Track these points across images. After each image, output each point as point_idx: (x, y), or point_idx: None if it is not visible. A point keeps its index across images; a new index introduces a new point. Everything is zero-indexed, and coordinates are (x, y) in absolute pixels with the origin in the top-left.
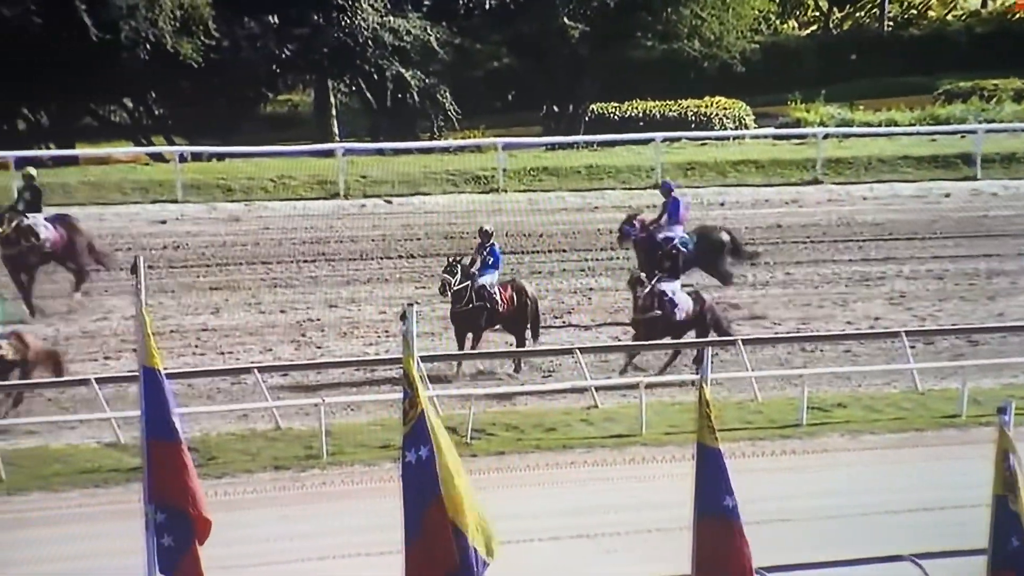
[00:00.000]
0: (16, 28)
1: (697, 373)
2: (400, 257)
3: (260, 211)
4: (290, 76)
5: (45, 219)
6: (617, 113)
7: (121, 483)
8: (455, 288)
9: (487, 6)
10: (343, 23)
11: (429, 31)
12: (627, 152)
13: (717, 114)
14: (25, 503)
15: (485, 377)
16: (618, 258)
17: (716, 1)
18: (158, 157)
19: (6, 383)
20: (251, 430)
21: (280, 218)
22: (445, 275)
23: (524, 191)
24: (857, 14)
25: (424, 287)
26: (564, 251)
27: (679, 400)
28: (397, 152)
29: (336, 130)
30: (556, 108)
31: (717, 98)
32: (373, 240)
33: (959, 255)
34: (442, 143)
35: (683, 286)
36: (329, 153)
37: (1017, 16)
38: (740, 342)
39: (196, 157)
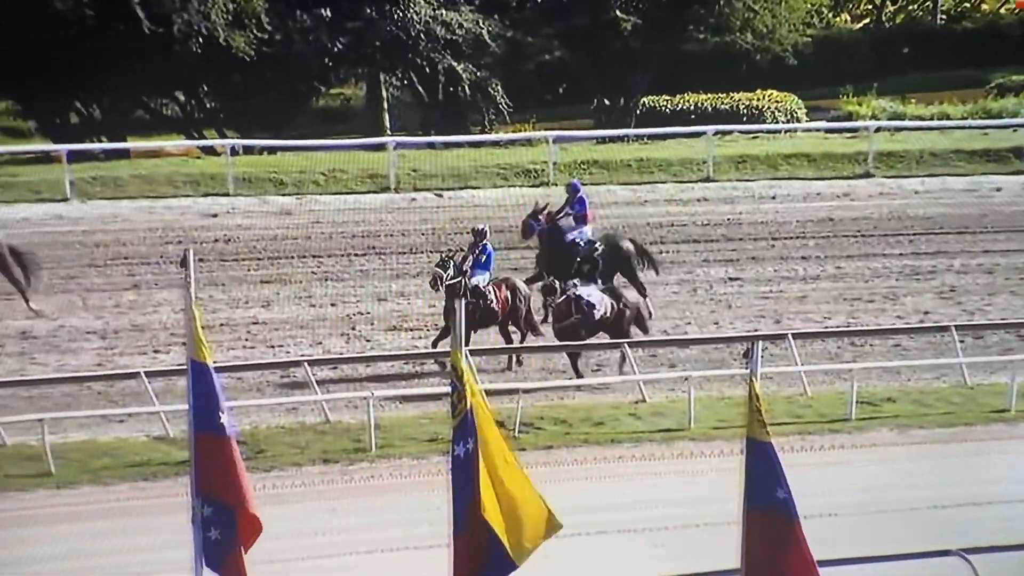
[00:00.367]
0: (69, 21)
1: (746, 367)
2: (450, 251)
3: (311, 205)
4: (342, 70)
5: None
6: (668, 106)
7: (170, 477)
8: (448, 283)
9: None
10: (395, 16)
11: (481, 24)
12: (678, 145)
13: (769, 107)
14: (74, 496)
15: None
16: (667, 252)
17: None
18: (210, 150)
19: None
20: (300, 423)
21: (331, 212)
22: (437, 269)
23: None
24: (910, 7)
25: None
26: None
27: (728, 395)
28: (448, 146)
29: (387, 124)
30: (607, 101)
31: (769, 91)
32: (423, 234)
33: (1010, 249)
34: (492, 137)
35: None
36: (380, 147)
37: None
38: (790, 336)
39: (248, 151)
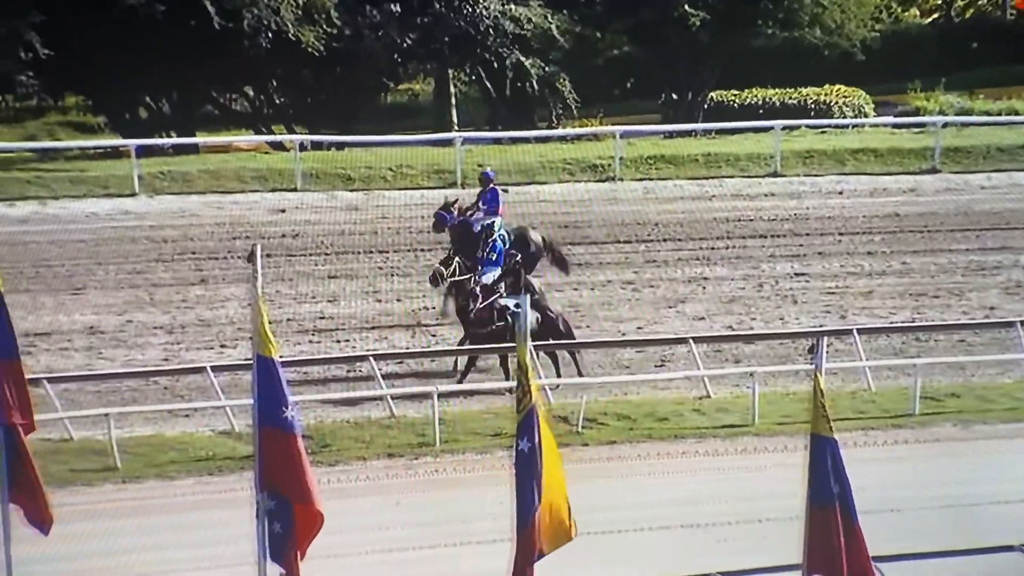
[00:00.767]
0: (140, 16)
1: (811, 363)
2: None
3: (378, 200)
4: (411, 65)
5: None
6: (736, 101)
7: (234, 471)
8: (456, 280)
9: None
10: (465, 12)
11: (550, 19)
12: (746, 140)
13: (837, 102)
14: (139, 491)
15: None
16: (733, 247)
17: None
18: (278, 146)
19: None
20: (365, 418)
21: (398, 207)
22: (440, 267)
23: (640, 179)
24: (979, 2)
25: (537, 276)
26: (680, 240)
27: (792, 390)
28: (514, 141)
29: (455, 119)
30: (675, 96)
31: (837, 86)
32: None
33: None
34: (559, 132)
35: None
36: (447, 142)
37: None
38: (855, 331)
39: (316, 146)
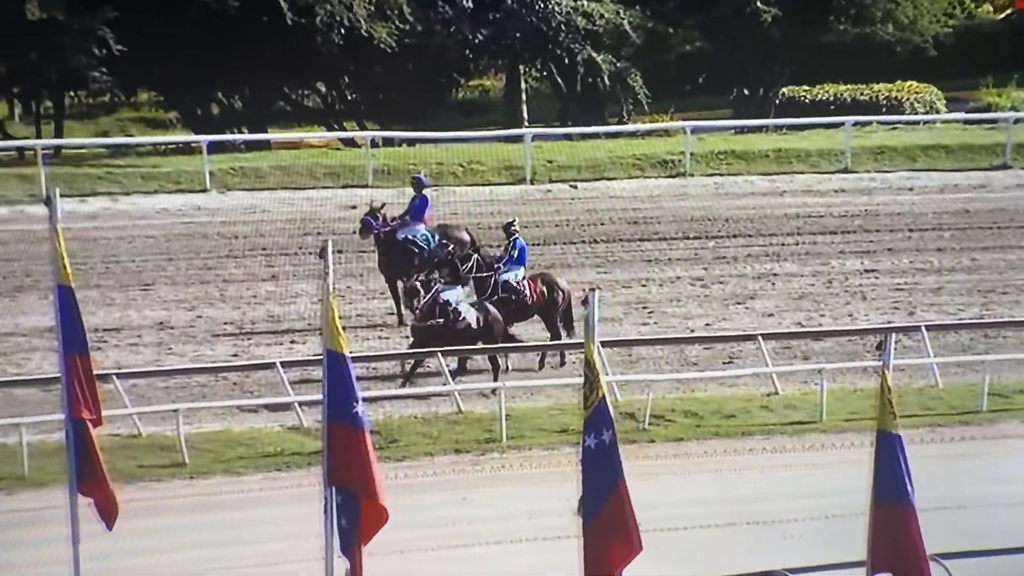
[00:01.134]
0: (213, 12)
1: (879, 359)
2: (583, 242)
3: (448, 196)
4: (482, 61)
5: None
6: (808, 97)
7: (302, 467)
8: (475, 277)
9: None
10: (537, 8)
11: (622, 15)
12: (817, 136)
13: (908, 98)
14: (207, 487)
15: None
16: (803, 243)
17: None
18: (350, 142)
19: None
20: (433, 413)
21: (467, 203)
22: (458, 263)
23: (711, 175)
24: None
25: (606, 272)
26: (749, 236)
27: (860, 387)
28: (584, 137)
29: (525, 115)
30: (746, 91)
31: (909, 82)
32: (556, 225)
33: None
34: (630, 127)
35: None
36: (517, 138)
37: None
38: (923, 328)
39: (387, 142)
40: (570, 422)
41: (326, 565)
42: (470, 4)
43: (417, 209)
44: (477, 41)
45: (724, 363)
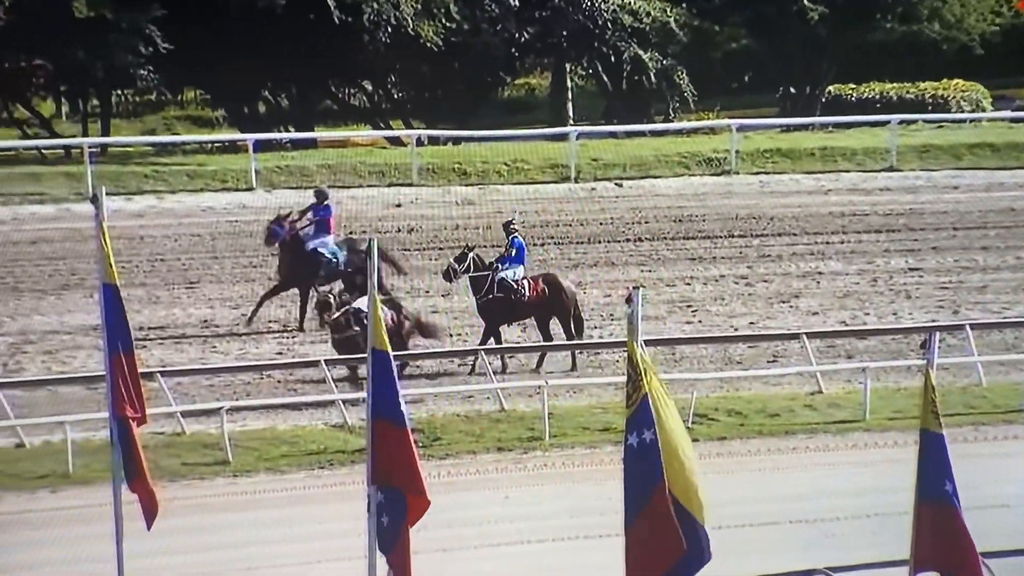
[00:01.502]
0: (259, 10)
1: (923, 358)
2: (627, 240)
3: (493, 195)
4: (528, 59)
5: None
6: (854, 95)
7: (346, 464)
8: (471, 276)
9: None
10: (583, 6)
11: (669, 13)
12: (862, 134)
13: (955, 96)
14: (251, 484)
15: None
16: (848, 241)
17: None
18: (396, 141)
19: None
20: (476, 412)
21: (512, 201)
22: (453, 263)
23: (756, 173)
24: None
25: (650, 270)
26: (795, 234)
27: (904, 385)
28: (629, 135)
29: (571, 113)
30: (792, 89)
31: (955, 80)
32: (601, 223)
33: None
34: (675, 125)
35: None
36: (563, 137)
37: None
38: (968, 326)
39: (433, 141)
40: (612, 421)
41: (369, 563)
42: (517, 2)
43: (321, 219)
44: (523, 39)
45: (768, 362)
